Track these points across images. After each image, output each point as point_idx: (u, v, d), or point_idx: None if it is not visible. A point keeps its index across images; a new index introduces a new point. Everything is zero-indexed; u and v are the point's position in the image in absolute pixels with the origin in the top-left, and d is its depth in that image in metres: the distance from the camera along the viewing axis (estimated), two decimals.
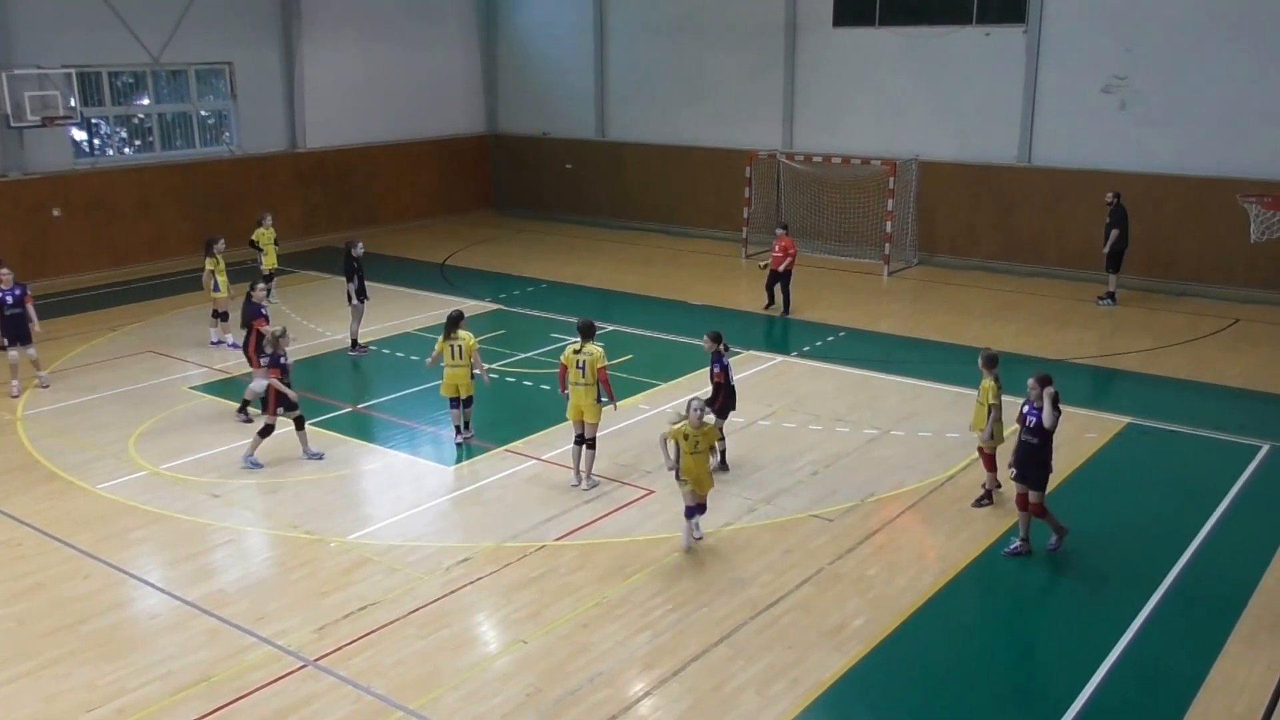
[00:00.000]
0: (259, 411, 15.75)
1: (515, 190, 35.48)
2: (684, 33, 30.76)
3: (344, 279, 20.00)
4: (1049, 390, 11.64)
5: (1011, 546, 12.12)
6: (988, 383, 12.97)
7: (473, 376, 15.23)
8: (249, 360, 17.25)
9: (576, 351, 13.72)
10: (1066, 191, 24.91)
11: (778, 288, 22.57)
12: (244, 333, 17.36)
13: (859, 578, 11.60)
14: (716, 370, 14.28)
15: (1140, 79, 23.95)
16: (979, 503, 13.30)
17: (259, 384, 15.76)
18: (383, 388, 18.33)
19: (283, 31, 30.02)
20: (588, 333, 13.92)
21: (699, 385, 16.60)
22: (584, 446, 13.93)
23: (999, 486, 13.31)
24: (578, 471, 14.03)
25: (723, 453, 14.20)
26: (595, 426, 13.88)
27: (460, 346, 15.10)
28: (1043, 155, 25.50)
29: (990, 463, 13.29)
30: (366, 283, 19.80)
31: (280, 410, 14.75)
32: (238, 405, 16.64)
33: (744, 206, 28.21)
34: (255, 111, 29.80)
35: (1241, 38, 22.70)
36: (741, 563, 11.96)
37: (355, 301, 19.70)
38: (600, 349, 13.79)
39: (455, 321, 15.17)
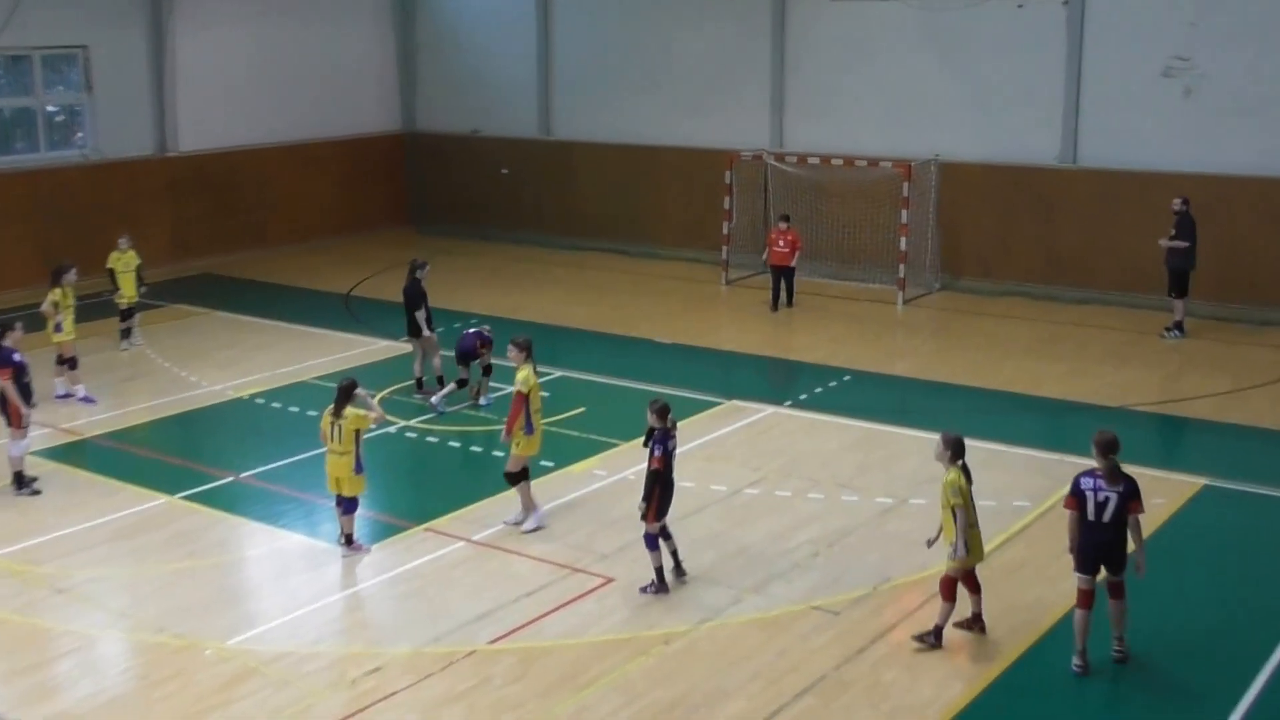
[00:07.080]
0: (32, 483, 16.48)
1: (438, 202, 35.49)
2: (647, 7, 31.02)
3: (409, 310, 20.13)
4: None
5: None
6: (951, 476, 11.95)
7: (358, 470, 14.32)
8: (6, 417, 16.56)
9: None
10: (1120, 198, 25.11)
11: (781, 285, 24.34)
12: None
13: (873, 685, 11.51)
14: (657, 454, 13.19)
15: (1208, 60, 24.23)
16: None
17: (17, 447, 16.24)
18: (272, 451, 18.13)
19: (150, 8, 30.00)
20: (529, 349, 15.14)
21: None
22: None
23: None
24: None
25: (674, 554, 13.53)
26: None
27: (341, 427, 14.27)
28: (1090, 154, 25.75)
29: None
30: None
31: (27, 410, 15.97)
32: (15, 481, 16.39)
33: (724, 220, 28.22)
34: (116, 107, 29.71)
35: None
36: (724, 668, 11.85)
37: (427, 332, 20.10)
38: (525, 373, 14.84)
39: (346, 393, 14.35)
